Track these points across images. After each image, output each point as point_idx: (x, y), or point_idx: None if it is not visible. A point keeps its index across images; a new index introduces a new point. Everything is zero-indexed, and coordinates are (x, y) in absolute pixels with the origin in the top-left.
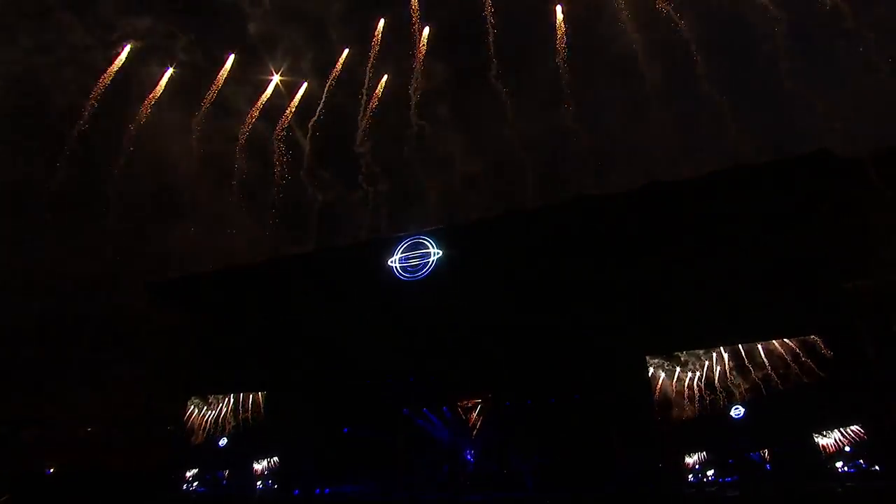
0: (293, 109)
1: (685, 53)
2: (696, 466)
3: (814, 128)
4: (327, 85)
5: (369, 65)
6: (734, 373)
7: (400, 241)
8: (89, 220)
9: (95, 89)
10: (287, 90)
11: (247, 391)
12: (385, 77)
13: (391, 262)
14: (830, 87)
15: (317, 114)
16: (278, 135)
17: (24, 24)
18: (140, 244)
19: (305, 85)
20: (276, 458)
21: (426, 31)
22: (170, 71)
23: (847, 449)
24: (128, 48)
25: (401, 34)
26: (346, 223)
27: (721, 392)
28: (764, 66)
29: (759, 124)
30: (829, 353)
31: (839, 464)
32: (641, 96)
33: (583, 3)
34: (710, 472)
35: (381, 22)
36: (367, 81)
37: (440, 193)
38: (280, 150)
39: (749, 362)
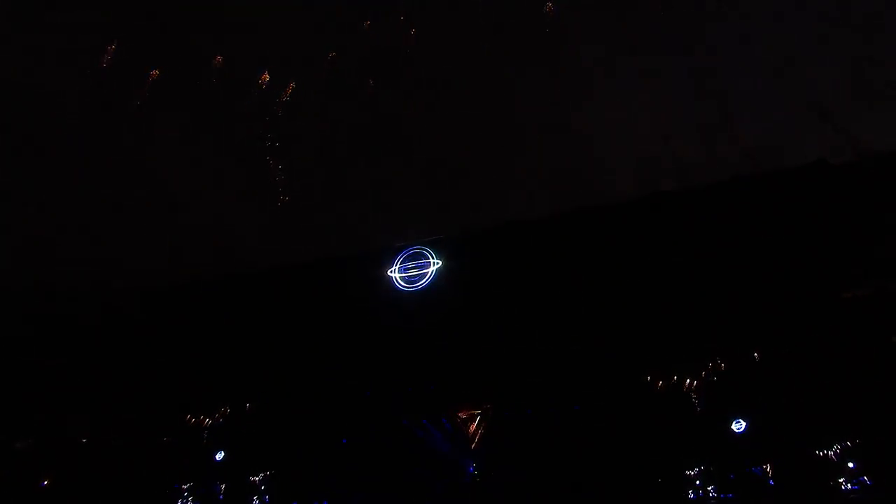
0: (281, 113)
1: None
2: (697, 482)
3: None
4: (317, 88)
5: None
6: (734, 383)
7: (400, 251)
8: (84, 223)
9: (85, 90)
10: (281, 91)
11: (244, 402)
12: (373, 80)
13: (391, 272)
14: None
15: (309, 116)
16: (269, 139)
17: (10, 25)
18: (135, 249)
19: (293, 86)
20: (273, 471)
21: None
22: (158, 71)
23: (850, 465)
24: (116, 48)
25: (396, 34)
26: (345, 230)
27: (721, 404)
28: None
29: (757, 130)
30: (829, 364)
31: (841, 480)
32: (639, 99)
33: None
34: (710, 488)
35: (368, 23)
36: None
37: (440, 201)
38: (273, 156)
39: (749, 373)
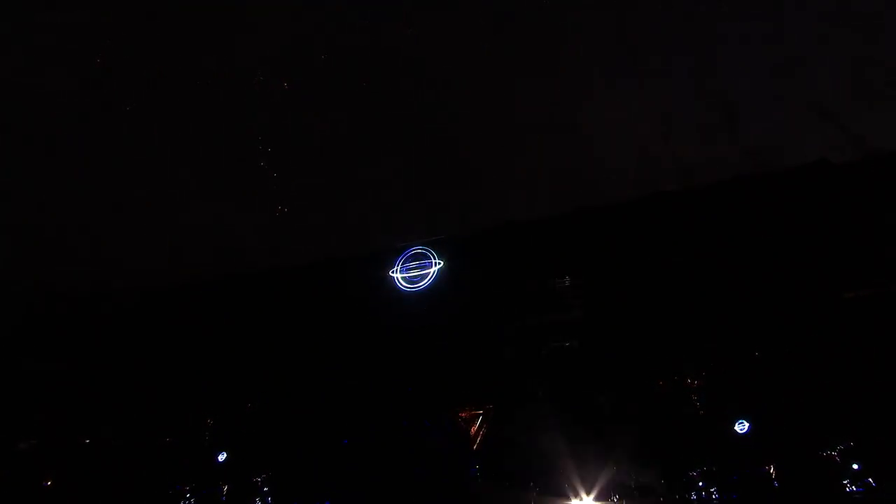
0: (280, 112)
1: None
2: (700, 483)
3: (813, 134)
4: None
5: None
6: (736, 384)
7: (401, 251)
8: (84, 223)
9: (84, 90)
10: (280, 91)
11: (245, 402)
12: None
13: (392, 272)
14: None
15: (309, 116)
16: (269, 139)
17: (10, 25)
18: (135, 249)
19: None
20: (275, 471)
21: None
22: (158, 71)
23: (854, 466)
24: (115, 47)
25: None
26: (346, 230)
27: (723, 404)
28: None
29: (758, 130)
30: (831, 364)
31: (846, 481)
32: (639, 99)
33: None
34: (713, 489)
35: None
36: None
37: (440, 201)
38: (273, 156)
39: (751, 373)
